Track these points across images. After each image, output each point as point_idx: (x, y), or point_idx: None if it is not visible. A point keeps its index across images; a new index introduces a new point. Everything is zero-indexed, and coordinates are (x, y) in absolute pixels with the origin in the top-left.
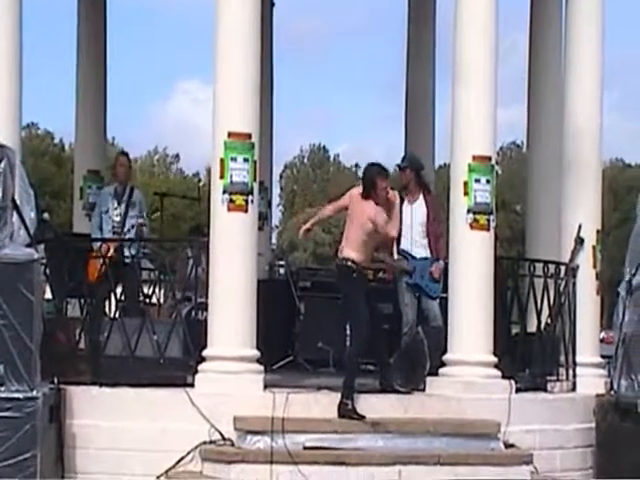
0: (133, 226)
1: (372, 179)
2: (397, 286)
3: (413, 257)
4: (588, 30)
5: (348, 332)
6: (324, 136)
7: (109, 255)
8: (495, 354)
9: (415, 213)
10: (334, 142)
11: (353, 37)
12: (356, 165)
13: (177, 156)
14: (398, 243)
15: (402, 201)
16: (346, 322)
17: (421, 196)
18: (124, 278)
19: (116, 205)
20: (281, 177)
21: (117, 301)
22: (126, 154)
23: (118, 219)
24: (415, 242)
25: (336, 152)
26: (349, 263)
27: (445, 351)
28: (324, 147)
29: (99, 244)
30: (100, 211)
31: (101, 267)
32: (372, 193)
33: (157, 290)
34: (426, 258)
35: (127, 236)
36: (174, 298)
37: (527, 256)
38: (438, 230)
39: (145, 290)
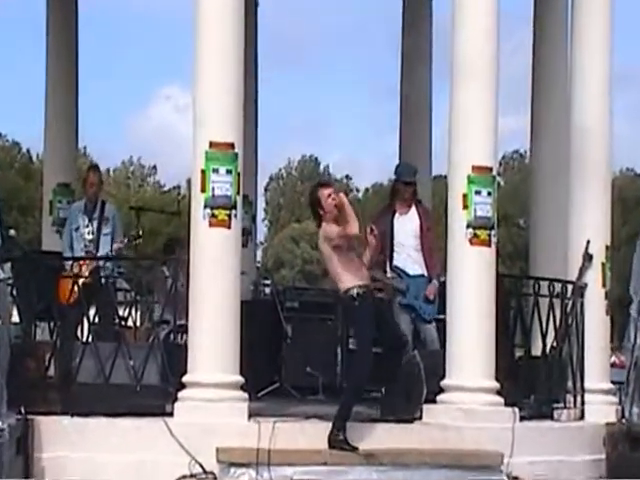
0: (111, 251)
1: (314, 197)
2: (391, 307)
3: (407, 274)
4: (595, 30)
5: (339, 357)
6: (314, 146)
7: (82, 276)
8: (497, 379)
9: (407, 226)
10: (325, 153)
11: (345, 40)
12: (347, 177)
13: (154, 167)
14: (391, 259)
15: (393, 214)
16: (337, 346)
17: (413, 207)
18: (98, 299)
19: (87, 222)
20: (266, 190)
21: (90, 324)
22: (96, 168)
23: (90, 237)
24: (409, 257)
25: (327, 163)
26: (348, 292)
27: (443, 376)
28: (316, 158)
29: (70, 264)
30: (70, 229)
31: (72, 287)
32: (320, 212)
33: (133, 312)
34: (422, 275)
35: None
36: (151, 320)
37: (531, 274)
38: (432, 243)
39: (120, 312)
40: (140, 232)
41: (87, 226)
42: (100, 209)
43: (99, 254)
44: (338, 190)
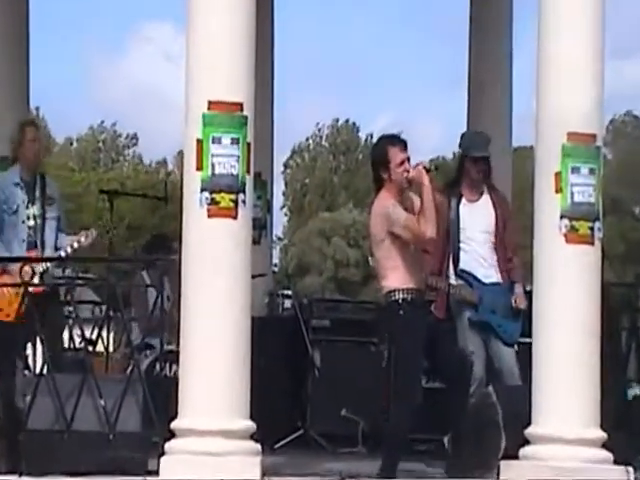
0: (58, 248)
1: (381, 151)
2: (456, 326)
3: (479, 281)
4: None
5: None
6: (351, 108)
7: (29, 283)
8: (603, 428)
9: (479, 216)
10: (367, 116)
11: None
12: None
13: (134, 137)
14: (456, 261)
15: (459, 199)
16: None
17: (485, 193)
18: (53, 314)
19: (26, 202)
20: (286, 167)
21: (45, 349)
22: (33, 124)
23: (32, 223)
24: (481, 259)
25: (369, 131)
26: (392, 296)
27: (528, 423)
28: (354, 124)
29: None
30: (2, 209)
31: (22, 299)
32: (384, 176)
33: (105, 333)
34: (498, 283)
35: (49, 253)
36: (130, 344)
37: None
38: (512, 241)
39: (87, 333)
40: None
41: (28, 207)
42: (41, 186)
43: (47, 248)
44: (419, 163)
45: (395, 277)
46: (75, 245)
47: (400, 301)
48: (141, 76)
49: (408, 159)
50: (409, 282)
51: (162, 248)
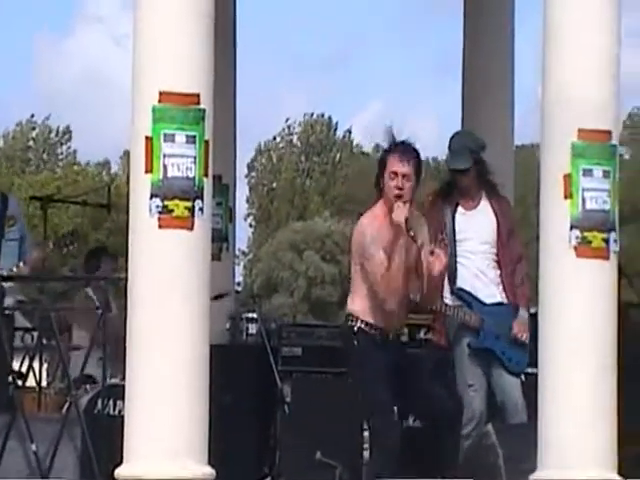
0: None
1: (381, 158)
2: (454, 353)
3: (480, 302)
4: None
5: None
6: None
7: None
8: (621, 473)
9: (477, 226)
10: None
11: None
12: (378, 148)
13: (69, 132)
14: (452, 277)
15: (455, 208)
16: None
17: (484, 198)
18: None
19: None
20: (250, 170)
21: None
22: None
23: None
24: (482, 275)
25: (348, 127)
26: (350, 320)
27: (534, 467)
28: (330, 119)
29: None
30: None
31: None
32: (381, 185)
33: (36, 364)
34: (502, 303)
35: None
36: (66, 378)
37: None
38: (516, 254)
39: (15, 365)
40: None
41: None
42: (2, 202)
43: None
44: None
45: (359, 303)
46: (14, 269)
47: (356, 330)
48: (82, 62)
49: (405, 176)
50: (370, 316)
51: (102, 264)
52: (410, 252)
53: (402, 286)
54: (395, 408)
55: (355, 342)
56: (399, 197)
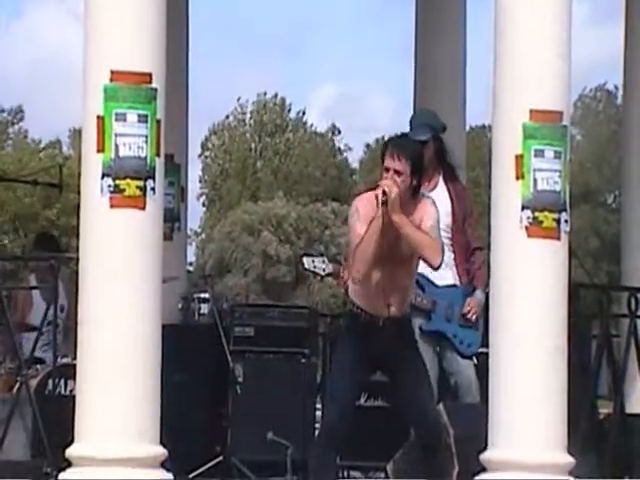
0: None
1: (381, 150)
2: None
3: (432, 284)
4: None
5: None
6: (282, 81)
7: None
8: (570, 452)
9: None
10: (300, 91)
11: None
12: (334, 129)
13: (20, 111)
14: None
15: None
16: (315, 397)
17: (440, 180)
18: None
19: None
20: (204, 149)
21: None
22: None
23: None
24: None
25: (301, 107)
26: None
27: (485, 446)
28: (283, 100)
29: None
30: None
31: None
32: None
33: None
34: (454, 285)
35: None
36: (17, 359)
37: (625, 282)
38: (472, 236)
39: None
40: None
41: None
42: None
43: None
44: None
45: (350, 285)
46: None
47: (347, 311)
48: (36, 39)
49: (397, 172)
50: (359, 300)
51: (50, 250)
52: (393, 237)
53: (389, 271)
54: (353, 397)
55: (342, 323)
56: (384, 194)
